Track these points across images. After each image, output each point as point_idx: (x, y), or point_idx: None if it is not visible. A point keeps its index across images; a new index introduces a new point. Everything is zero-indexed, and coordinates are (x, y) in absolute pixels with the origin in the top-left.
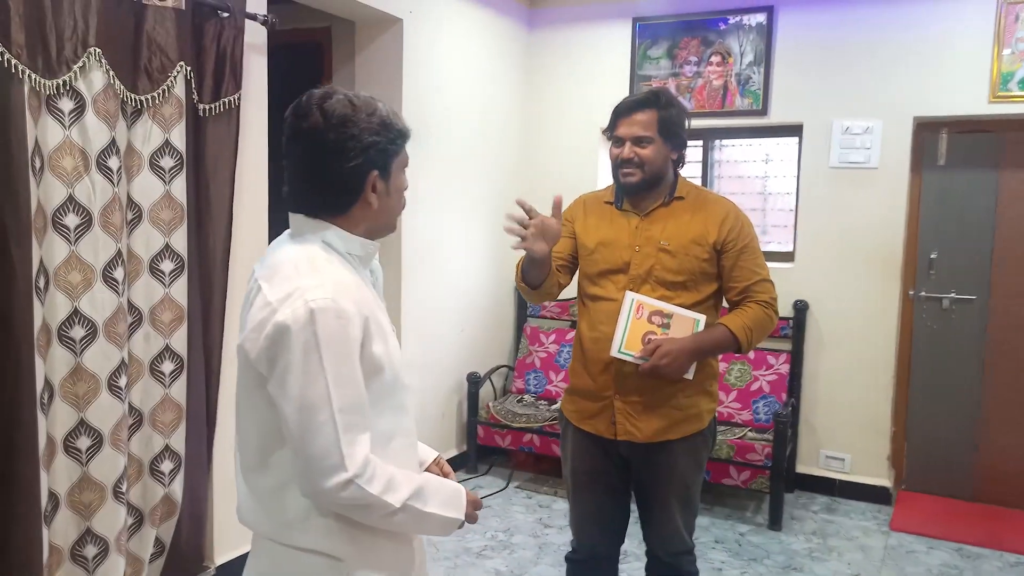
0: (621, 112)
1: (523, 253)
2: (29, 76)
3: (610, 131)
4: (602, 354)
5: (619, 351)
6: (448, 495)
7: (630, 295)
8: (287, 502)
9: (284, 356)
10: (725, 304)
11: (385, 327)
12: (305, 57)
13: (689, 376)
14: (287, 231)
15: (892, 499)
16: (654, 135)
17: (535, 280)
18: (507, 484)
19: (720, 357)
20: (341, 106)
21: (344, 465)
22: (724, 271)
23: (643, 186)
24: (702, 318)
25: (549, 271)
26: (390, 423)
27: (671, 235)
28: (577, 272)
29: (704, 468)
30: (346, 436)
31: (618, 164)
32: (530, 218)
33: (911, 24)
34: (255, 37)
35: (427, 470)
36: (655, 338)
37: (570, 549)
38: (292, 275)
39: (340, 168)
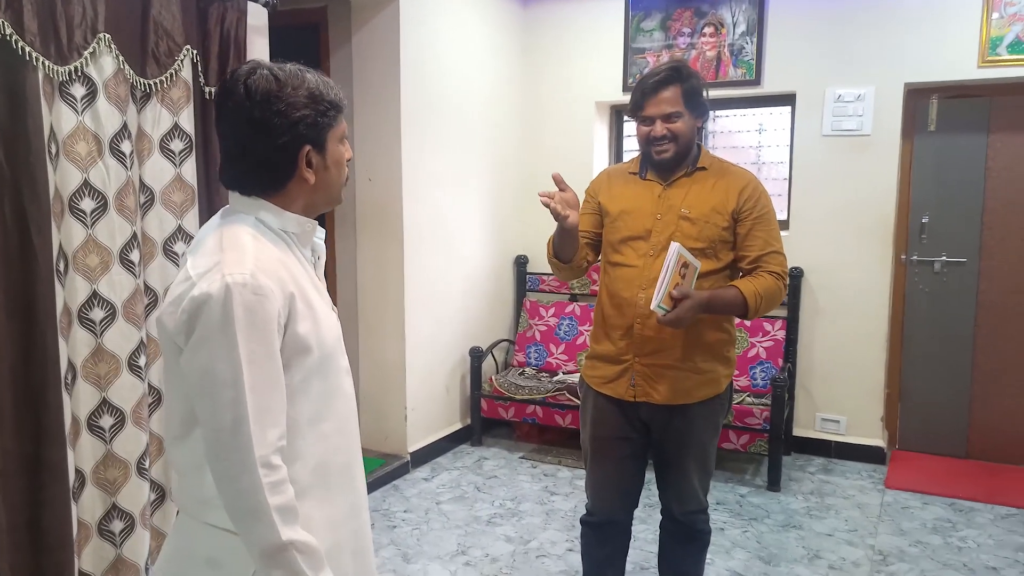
0: (647, 92)
1: (552, 231)
2: (43, 63)
3: (635, 111)
4: (622, 319)
5: (658, 305)
6: None
7: (675, 245)
8: (205, 478)
9: (199, 330)
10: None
11: (316, 307)
12: (303, 38)
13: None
14: (222, 209)
15: (887, 459)
16: (682, 109)
17: (567, 254)
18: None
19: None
20: (264, 81)
21: (250, 445)
22: (739, 239)
23: (677, 159)
24: (698, 264)
25: (578, 245)
26: (318, 406)
27: (692, 203)
28: (602, 241)
29: (719, 431)
30: (257, 417)
31: (649, 142)
32: (561, 189)
33: None
34: (257, 19)
35: None
36: (683, 290)
37: (585, 512)
38: (214, 250)
39: (269, 147)
